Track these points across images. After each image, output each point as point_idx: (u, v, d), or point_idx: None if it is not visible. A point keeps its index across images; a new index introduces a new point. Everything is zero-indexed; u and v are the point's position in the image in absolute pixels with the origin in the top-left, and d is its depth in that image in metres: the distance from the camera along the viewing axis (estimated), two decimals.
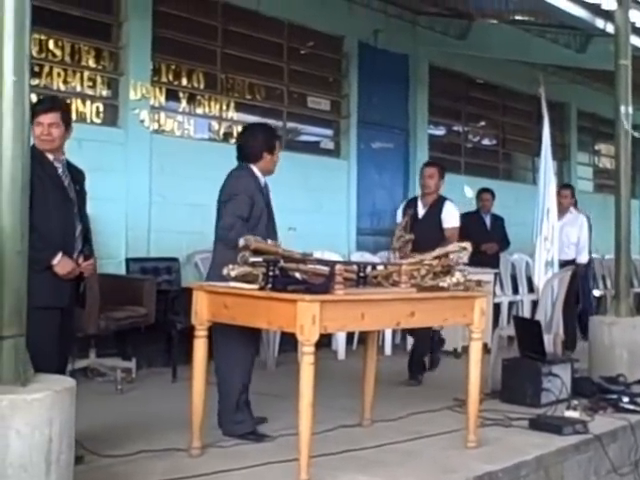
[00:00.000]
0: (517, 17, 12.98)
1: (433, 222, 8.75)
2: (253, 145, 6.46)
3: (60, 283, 5.39)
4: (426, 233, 8.05)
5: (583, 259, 11.08)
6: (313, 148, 12.71)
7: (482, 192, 12.45)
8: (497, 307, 11.87)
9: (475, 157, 15.78)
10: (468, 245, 6.19)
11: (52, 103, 5.77)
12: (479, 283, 6.24)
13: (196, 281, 7.81)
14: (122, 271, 9.37)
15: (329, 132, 13.01)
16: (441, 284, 5.97)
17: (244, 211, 6.16)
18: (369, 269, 5.87)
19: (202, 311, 5.73)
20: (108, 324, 7.98)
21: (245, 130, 6.93)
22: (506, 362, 7.93)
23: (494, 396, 7.78)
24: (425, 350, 9.11)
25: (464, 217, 12.13)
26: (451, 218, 8.87)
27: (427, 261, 6.06)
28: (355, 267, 5.72)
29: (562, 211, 10.54)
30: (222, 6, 10.91)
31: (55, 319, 5.39)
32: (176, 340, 8.54)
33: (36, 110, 5.39)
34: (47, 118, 5.44)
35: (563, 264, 9.63)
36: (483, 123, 16.42)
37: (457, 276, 6.00)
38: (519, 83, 15.28)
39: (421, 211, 8.91)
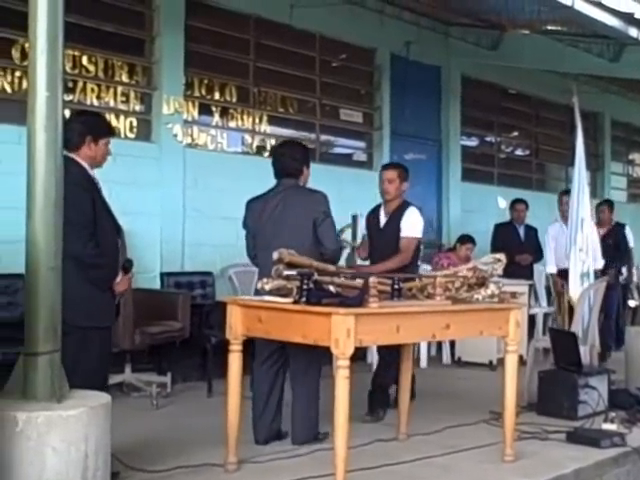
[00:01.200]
0: (549, 27, 12.90)
1: (394, 231, 7.67)
2: (294, 161, 6.60)
3: (112, 301, 5.42)
4: (388, 244, 7.63)
5: (598, 265, 10.84)
6: (346, 160, 12.72)
7: (516, 203, 12.34)
8: (532, 319, 11.80)
9: (508, 168, 15.73)
10: (502, 257, 6.17)
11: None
12: (514, 295, 6.19)
13: (230, 295, 7.80)
14: (157, 285, 9.41)
15: (362, 144, 13.01)
16: (476, 296, 5.94)
17: None
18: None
19: (236, 325, 5.71)
20: (143, 339, 7.98)
21: (281, 148, 6.98)
22: (542, 374, 7.88)
23: (530, 409, 7.73)
24: (387, 380, 7.63)
25: (498, 228, 12.20)
26: (409, 227, 7.66)
27: (461, 273, 6.04)
28: (389, 280, 5.70)
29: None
30: (254, 20, 10.94)
31: (110, 336, 5.44)
32: (211, 354, 8.52)
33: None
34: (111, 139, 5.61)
35: None
36: (516, 133, 16.38)
37: (492, 288, 5.97)
38: (552, 93, 15.20)
39: (383, 220, 7.84)
